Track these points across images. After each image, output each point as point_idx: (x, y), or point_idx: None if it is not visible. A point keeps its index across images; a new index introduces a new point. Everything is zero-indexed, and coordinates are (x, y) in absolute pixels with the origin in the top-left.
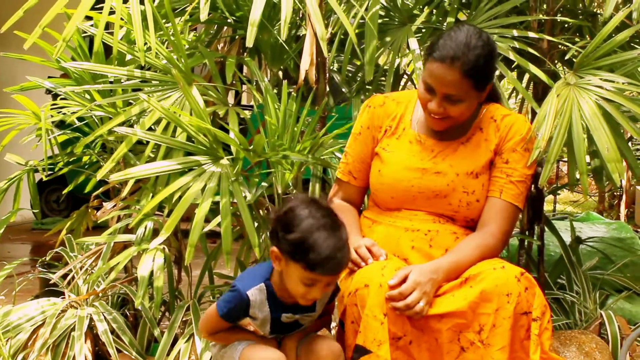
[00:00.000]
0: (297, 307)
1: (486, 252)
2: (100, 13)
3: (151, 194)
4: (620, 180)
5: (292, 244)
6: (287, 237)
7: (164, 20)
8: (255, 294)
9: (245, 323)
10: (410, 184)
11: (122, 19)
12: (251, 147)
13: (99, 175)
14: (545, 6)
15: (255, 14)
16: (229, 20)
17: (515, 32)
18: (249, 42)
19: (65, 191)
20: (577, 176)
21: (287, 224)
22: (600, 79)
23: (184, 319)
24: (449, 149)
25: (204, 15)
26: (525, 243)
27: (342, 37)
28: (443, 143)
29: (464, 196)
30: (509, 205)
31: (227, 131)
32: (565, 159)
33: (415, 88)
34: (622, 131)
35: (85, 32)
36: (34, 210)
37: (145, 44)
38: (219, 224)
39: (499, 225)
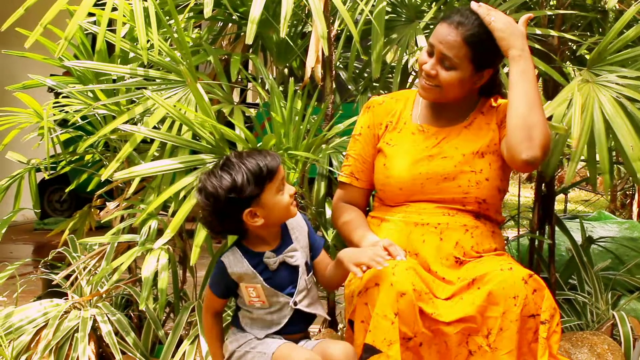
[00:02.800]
0: (276, 250)
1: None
2: (103, 10)
3: (156, 193)
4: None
5: (253, 184)
6: (246, 188)
7: (167, 18)
8: (228, 255)
9: (245, 292)
10: (418, 171)
11: (124, 16)
12: (259, 145)
13: (104, 175)
14: (555, 1)
15: (255, 11)
16: (233, 17)
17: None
18: (249, 40)
19: (67, 190)
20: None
21: (235, 189)
22: (617, 75)
23: (188, 320)
24: (452, 133)
25: (207, 11)
26: (536, 243)
27: (348, 34)
28: (445, 129)
29: (472, 176)
30: None
31: (233, 128)
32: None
33: None
34: None
35: (88, 30)
36: (36, 210)
37: (148, 41)
38: None
39: None
